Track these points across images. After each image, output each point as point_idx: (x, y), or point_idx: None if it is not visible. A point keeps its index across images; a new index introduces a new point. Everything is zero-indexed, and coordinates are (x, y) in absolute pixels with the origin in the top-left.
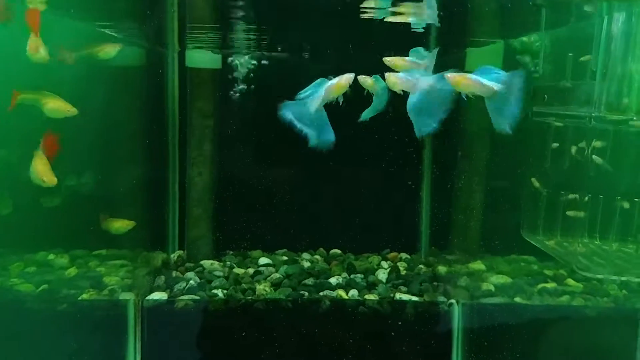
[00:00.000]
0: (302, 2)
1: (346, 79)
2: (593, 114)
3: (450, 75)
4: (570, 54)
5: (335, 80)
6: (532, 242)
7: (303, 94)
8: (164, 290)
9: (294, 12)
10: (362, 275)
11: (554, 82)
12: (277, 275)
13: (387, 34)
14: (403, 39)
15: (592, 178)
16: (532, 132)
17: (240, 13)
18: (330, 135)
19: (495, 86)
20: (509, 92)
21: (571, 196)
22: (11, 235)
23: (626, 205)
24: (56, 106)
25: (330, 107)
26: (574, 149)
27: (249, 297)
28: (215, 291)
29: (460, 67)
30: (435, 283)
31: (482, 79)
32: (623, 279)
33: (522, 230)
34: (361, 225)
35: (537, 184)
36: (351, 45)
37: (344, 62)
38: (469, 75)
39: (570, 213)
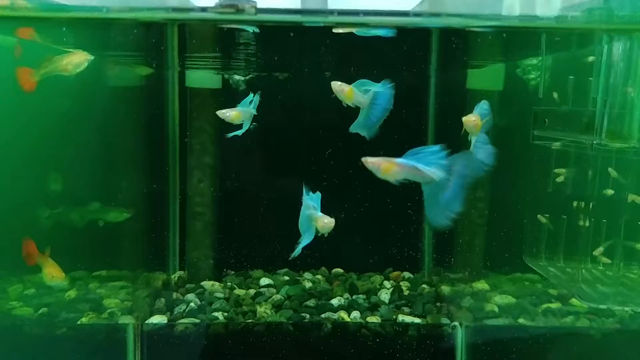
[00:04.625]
0: (301, 26)
1: None
2: (595, 142)
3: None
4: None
5: None
6: (534, 267)
7: None
8: (163, 313)
9: (293, 34)
10: (364, 296)
11: (555, 106)
12: (278, 296)
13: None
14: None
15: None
16: (533, 155)
17: (241, 35)
18: None
19: (435, 173)
20: (450, 178)
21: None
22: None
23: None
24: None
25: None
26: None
27: (250, 320)
28: (215, 314)
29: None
30: (438, 304)
31: (418, 165)
32: (627, 309)
33: (524, 255)
34: (363, 243)
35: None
36: (352, 67)
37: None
38: (398, 161)
39: None
